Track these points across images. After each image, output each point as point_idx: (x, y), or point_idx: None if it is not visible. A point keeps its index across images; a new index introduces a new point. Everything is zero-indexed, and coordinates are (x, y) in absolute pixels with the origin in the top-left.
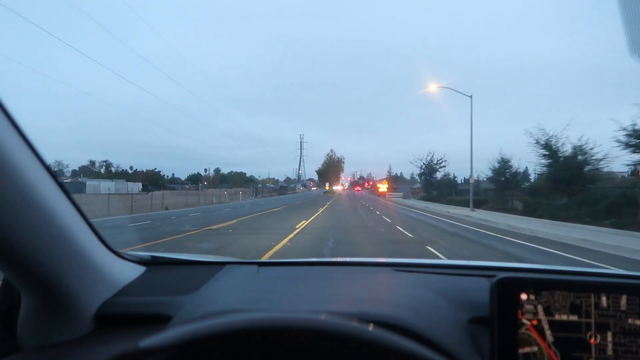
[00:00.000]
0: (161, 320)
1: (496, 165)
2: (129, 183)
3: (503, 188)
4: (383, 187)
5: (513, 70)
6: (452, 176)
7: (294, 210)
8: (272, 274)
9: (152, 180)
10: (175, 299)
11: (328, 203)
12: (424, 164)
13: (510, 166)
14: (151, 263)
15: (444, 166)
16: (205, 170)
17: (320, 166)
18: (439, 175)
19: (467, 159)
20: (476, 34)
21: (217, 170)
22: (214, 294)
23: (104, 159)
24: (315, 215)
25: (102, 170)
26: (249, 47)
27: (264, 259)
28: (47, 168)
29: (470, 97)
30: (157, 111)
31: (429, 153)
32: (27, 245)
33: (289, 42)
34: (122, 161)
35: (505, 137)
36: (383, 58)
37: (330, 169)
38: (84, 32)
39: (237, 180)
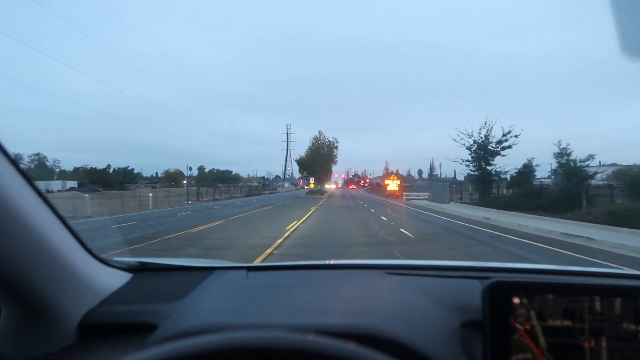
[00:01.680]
0: (146, 329)
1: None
2: (53, 182)
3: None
4: (393, 185)
5: (513, 66)
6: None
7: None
8: (260, 280)
9: (96, 179)
10: (161, 307)
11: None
12: (475, 142)
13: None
14: (139, 269)
15: (510, 146)
16: (190, 168)
17: (303, 154)
18: (499, 164)
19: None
20: (474, 30)
21: (200, 168)
22: (201, 303)
23: (36, 152)
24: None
25: (33, 166)
26: (237, 43)
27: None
28: (22, 172)
29: None
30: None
31: (485, 124)
32: (3, 254)
33: (277, 38)
34: (99, 160)
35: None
36: (377, 53)
37: (318, 158)
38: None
39: (220, 179)
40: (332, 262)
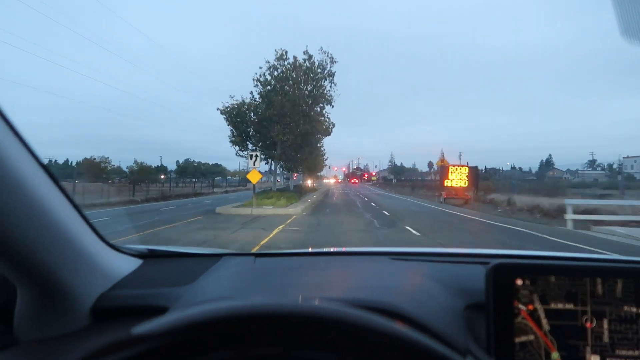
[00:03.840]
0: (158, 312)
1: None
2: None
3: None
4: (458, 179)
5: (510, 58)
6: None
7: None
8: (268, 264)
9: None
10: (171, 291)
11: None
12: None
13: None
14: (148, 256)
15: None
16: (178, 162)
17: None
18: None
19: (469, 150)
20: (472, 21)
21: (186, 161)
22: (211, 285)
23: None
24: None
25: None
26: (232, 34)
27: None
28: (39, 161)
29: None
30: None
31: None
32: (20, 240)
33: (276, 28)
34: (75, 154)
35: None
36: (374, 44)
37: (291, 108)
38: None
39: (203, 172)
40: (338, 249)
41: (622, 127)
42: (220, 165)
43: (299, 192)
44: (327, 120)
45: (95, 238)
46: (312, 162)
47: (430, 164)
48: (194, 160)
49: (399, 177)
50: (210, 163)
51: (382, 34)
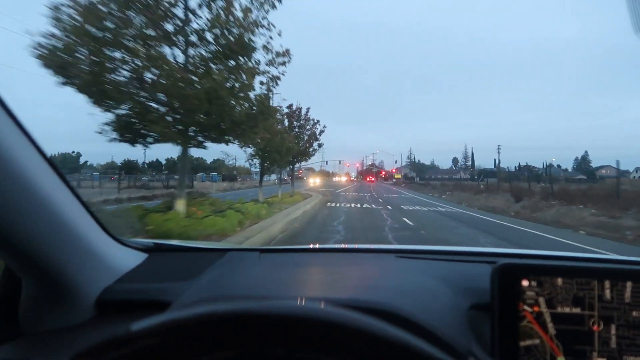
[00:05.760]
0: (161, 307)
1: None
2: None
3: None
4: None
5: (528, 53)
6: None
7: None
8: (273, 260)
9: None
10: (175, 286)
11: None
12: None
13: None
14: (153, 250)
15: None
16: (168, 159)
17: None
18: None
19: (485, 148)
20: (488, 15)
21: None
22: (214, 281)
23: None
24: None
25: None
26: None
27: None
28: (43, 154)
29: None
30: None
31: None
32: (26, 233)
33: (291, 24)
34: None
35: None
36: (389, 39)
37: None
38: None
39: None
40: (344, 246)
41: None
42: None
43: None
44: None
45: (100, 231)
46: (278, 142)
47: (455, 161)
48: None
49: (421, 174)
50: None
51: (397, 27)
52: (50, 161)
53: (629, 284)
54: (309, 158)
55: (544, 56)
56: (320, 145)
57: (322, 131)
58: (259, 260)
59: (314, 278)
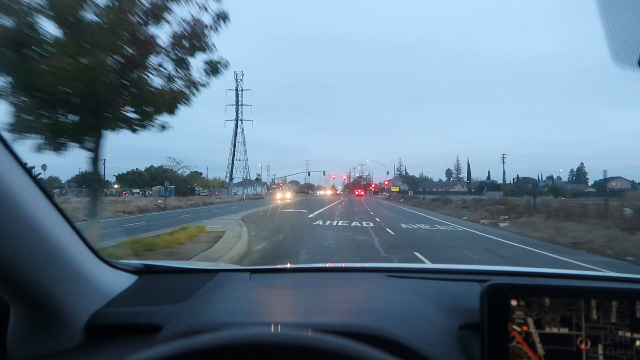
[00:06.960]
0: (152, 330)
1: None
2: None
3: None
4: None
5: (516, 67)
6: None
7: None
8: (263, 282)
9: None
10: (166, 309)
11: None
12: None
13: None
14: (143, 271)
15: None
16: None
17: None
18: None
19: (474, 160)
20: (475, 28)
21: (148, 169)
22: (205, 304)
23: None
24: None
25: None
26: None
27: None
28: (31, 175)
29: None
30: None
31: None
32: (12, 257)
33: (272, 39)
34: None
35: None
36: (374, 52)
37: None
38: None
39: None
40: (334, 265)
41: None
42: (201, 173)
43: None
44: None
45: (89, 254)
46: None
47: (449, 172)
48: (164, 167)
49: (415, 187)
50: (187, 172)
51: (382, 41)
52: (36, 179)
53: (614, 304)
54: (180, 103)
55: (528, 71)
56: (214, 68)
57: (216, 24)
58: (250, 282)
59: (304, 301)
